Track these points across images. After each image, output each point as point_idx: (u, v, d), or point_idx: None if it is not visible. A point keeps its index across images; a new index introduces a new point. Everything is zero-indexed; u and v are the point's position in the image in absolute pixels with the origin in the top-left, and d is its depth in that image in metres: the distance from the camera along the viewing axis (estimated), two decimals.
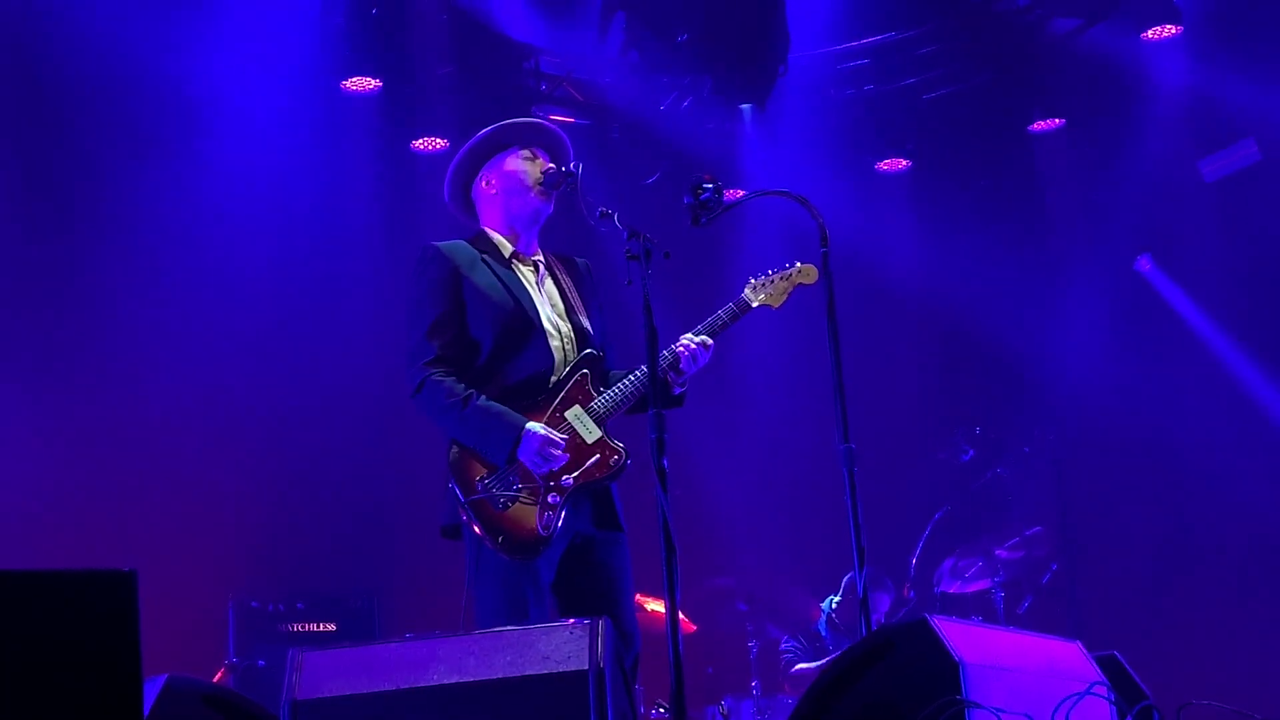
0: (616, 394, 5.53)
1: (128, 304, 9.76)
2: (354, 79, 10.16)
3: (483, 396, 5.45)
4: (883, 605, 9.81)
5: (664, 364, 5.53)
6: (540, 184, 5.70)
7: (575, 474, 5.42)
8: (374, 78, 10.19)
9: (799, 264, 5.83)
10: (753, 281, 5.81)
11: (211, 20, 9.61)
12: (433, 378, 5.48)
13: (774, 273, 5.82)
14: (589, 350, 5.64)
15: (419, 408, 5.55)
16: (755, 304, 5.78)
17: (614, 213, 5.27)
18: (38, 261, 9.69)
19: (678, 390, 5.66)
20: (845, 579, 9.81)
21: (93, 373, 9.71)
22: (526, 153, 5.79)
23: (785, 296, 5.81)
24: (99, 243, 9.75)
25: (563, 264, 5.88)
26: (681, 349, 5.56)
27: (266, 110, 9.95)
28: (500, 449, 5.38)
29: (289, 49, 9.85)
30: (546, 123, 5.98)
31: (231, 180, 9.88)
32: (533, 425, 5.39)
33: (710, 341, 5.63)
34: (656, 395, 4.92)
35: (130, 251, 9.76)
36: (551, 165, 5.74)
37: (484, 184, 5.83)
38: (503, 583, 5.34)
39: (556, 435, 5.41)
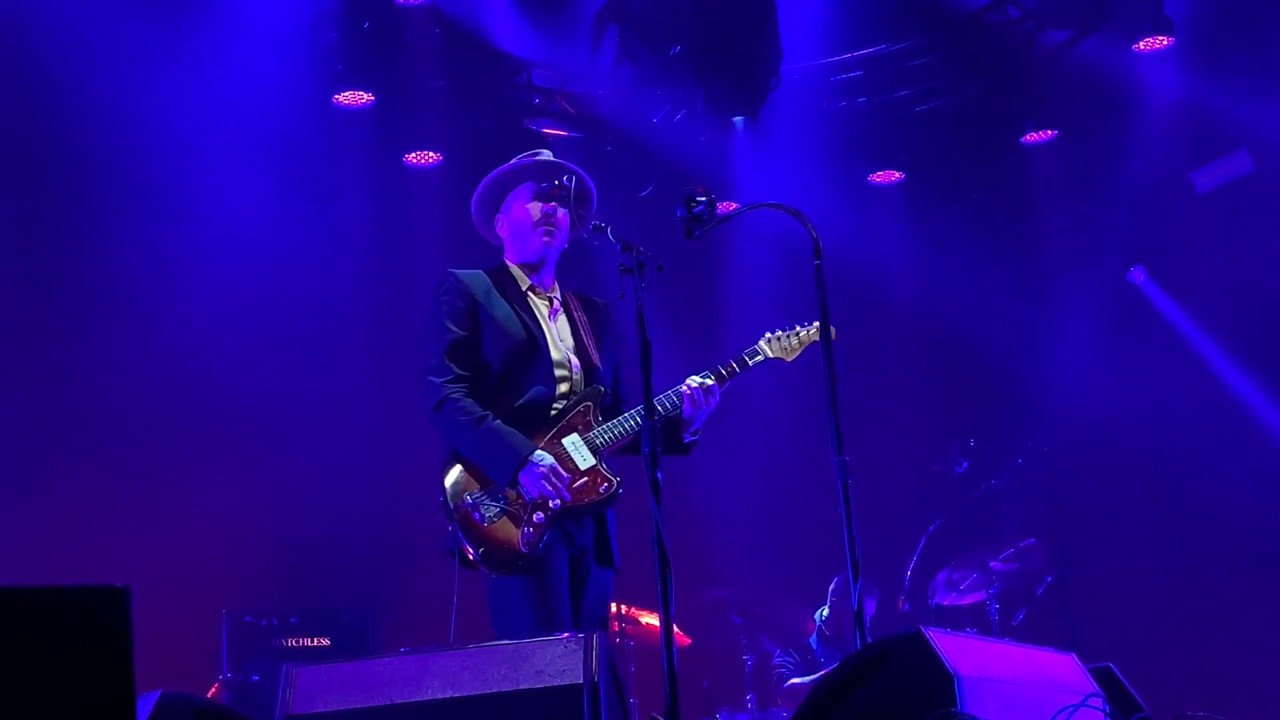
0: (616, 427, 5.60)
1: (121, 317, 9.75)
2: (346, 93, 10.17)
3: (498, 420, 5.51)
4: (868, 609, 9.78)
5: (668, 404, 5.59)
6: (540, 225, 5.76)
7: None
8: (366, 92, 10.19)
9: (816, 324, 5.83)
10: (768, 335, 5.90)
11: (204, 35, 9.60)
12: (452, 396, 5.55)
13: (793, 329, 5.90)
14: (595, 385, 5.72)
15: (436, 423, 5.61)
16: (770, 356, 5.87)
17: (607, 226, 5.29)
18: (32, 276, 9.68)
19: (688, 439, 5.75)
20: (832, 585, 9.80)
21: (86, 388, 9.69)
22: (537, 194, 5.81)
23: (799, 351, 5.91)
24: (92, 255, 9.74)
25: (581, 303, 5.96)
26: (686, 390, 5.62)
27: (259, 124, 9.95)
28: (505, 469, 5.44)
29: (281, 63, 9.85)
30: (560, 180, 5.90)
31: (224, 194, 9.87)
32: (541, 453, 5.46)
33: (712, 384, 5.64)
34: (650, 407, 4.94)
35: (123, 264, 9.75)
36: (553, 204, 5.76)
37: (499, 227, 5.94)
38: (531, 602, 5.39)
39: (563, 471, 5.47)
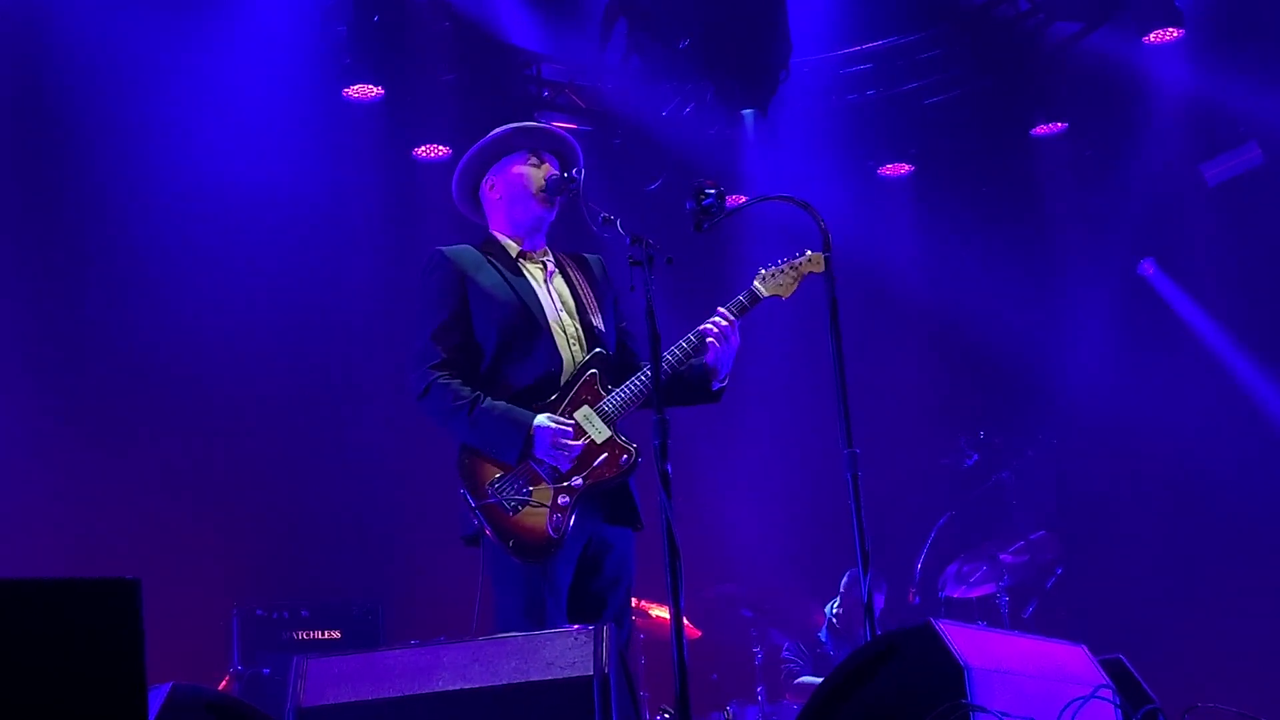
0: (626, 393, 5.49)
1: (131, 309, 9.76)
2: (356, 86, 10.17)
3: (489, 398, 5.44)
4: (877, 602, 9.78)
5: (689, 347, 5.53)
6: (543, 191, 5.70)
7: (584, 474, 5.40)
8: (376, 85, 10.18)
9: (809, 252, 5.71)
10: (762, 272, 5.74)
11: (214, 28, 9.62)
12: (439, 381, 5.47)
13: (784, 262, 5.75)
14: (598, 349, 5.61)
15: (425, 411, 5.54)
16: (766, 294, 5.71)
17: (616, 219, 5.27)
18: (40, 266, 9.69)
19: (717, 386, 5.66)
20: (844, 579, 9.80)
21: (96, 380, 9.71)
22: (533, 158, 5.78)
23: (795, 286, 5.72)
24: (102, 249, 9.76)
25: (574, 262, 5.86)
26: (711, 326, 5.54)
27: (269, 117, 9.96)
28: (511, 448, 5.37)
29: (291, 56, 9.86)
30: (553, 128, 5.96)
31: (234, 187, 9.88)
32: (540, 419, 5.37)
33: (734, 318, 5.59)
34: (660, 399, 4.92)
35: (133, 257, 9.77)
36: (555, 172, 5.73)
37: (489, 187, 5.83)
38: (522, 588, 5.33)
39: (566, 424, 5.39)
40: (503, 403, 5.44)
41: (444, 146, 10.59)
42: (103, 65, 9.36)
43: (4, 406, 9.38)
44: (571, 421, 5.42)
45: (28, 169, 9.63)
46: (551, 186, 5.68)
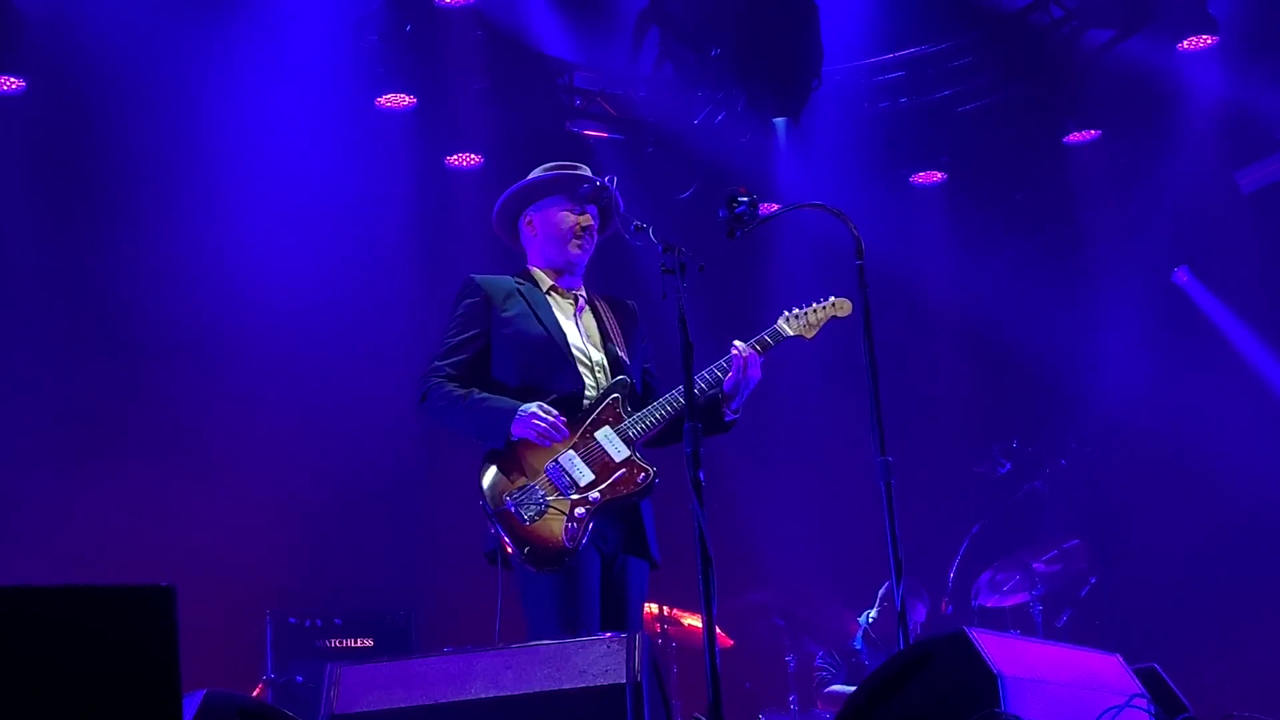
0: (647, 416, 5.56)
1: (164, 318, 9.79)
2: (388, 95, 10.19)
3: (482, 392, 5.56)
4: (919, 615, 9.77)
5: (710, 379, 5.58)
6: (578, 241, 5.77)
7: (601, 488, 5.45)
8: (408, 94, 10.22)
9: (834, 298, 5.81)
10: (786, 314, 5.80)
11: (247, 38, 9.65)
12: (434, 384, 5.62)
13: (810, 306, 5.81)
14: (621, 377, 5.68)
15: (425, 416, 5.68)
16: (789, 334, 5.75)
17: (649, 227, 5.29)
18: (74, 276, 9.74)
19: (730, 417, 5.68)
20: (881, 590, 9.78)
21: (131, 389, 9.75)
22: (573, 205, 5.82)
23: (819, 328, 5.80)
24: (135, 258, 9.80)
25: (609, 304, 5.94)
26: (735, 353, 5.56)
27: (302, 127, 9.99)
28: (498, 431, 5.46)
29: (324, 66, 9.88)
30: (600, 180, 5.94)
31: (267, 196, 9.92)
32: (528, 405, 5.46)
33: (756, 353, 5.62)
34: (692, 407, 4.93)
35: (167, 267, 9.80)
36: (594, 224, 5.80)
37: (527, 223, 5.91)
38: (554, 600, 5.37)
39: (549, 410, 5.46)
40: (494, 395, 5.57)
41: (476, 155, 10.62)
42: (138, 74, 9.40)
43: (38, 412, 9.43)
44: (560, 415, 5.47)
45: (62, 174, 9.68)
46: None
